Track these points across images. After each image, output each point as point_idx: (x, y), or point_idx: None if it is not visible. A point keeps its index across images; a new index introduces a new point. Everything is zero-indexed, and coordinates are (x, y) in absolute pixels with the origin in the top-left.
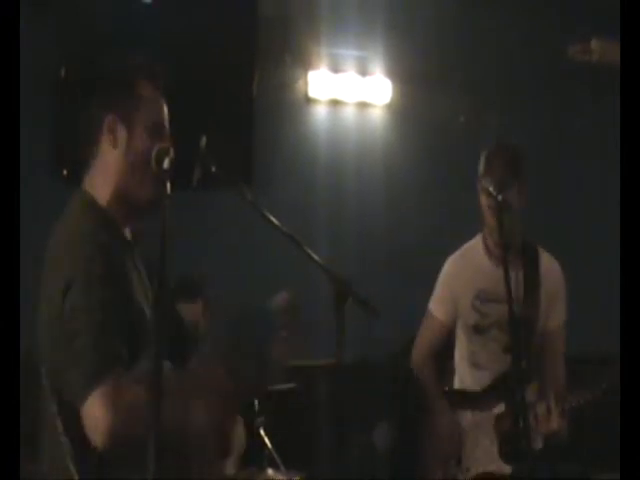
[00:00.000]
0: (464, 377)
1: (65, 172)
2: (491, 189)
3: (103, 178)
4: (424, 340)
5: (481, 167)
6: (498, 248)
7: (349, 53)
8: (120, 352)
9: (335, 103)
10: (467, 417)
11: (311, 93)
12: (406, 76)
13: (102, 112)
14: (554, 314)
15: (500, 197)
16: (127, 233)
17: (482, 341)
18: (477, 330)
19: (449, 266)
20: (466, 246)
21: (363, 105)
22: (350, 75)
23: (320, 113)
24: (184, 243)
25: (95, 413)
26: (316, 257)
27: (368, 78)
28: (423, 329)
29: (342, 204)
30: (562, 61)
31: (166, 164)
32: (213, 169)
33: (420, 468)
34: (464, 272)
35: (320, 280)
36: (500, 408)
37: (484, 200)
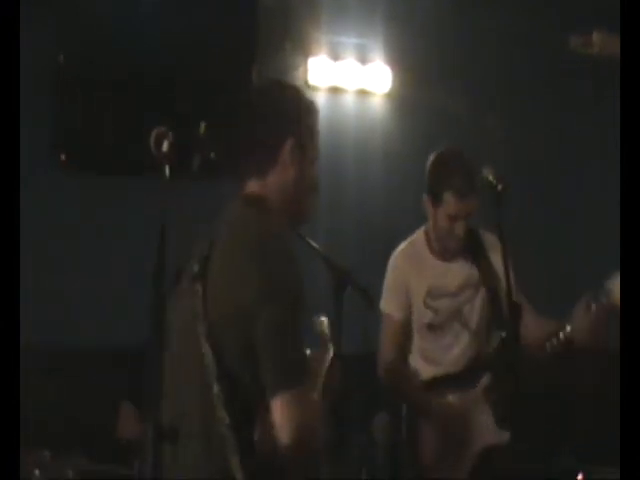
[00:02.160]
0: (418, 372)
1: (63, 157)
2: (491, 178)
3: (277, 188)
4: (388, 345)
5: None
6: (445, 243)
7: (349, 41)
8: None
9: (335, 91)
10: (457, 399)
11: (311, 80)
12: (406, 64)
13: (286, 133)
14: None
15: (500, 186)
16: None
17: (434, 337)
18: (431, 328)
19: (397, 261)
20: (409, 241)
21: (363, 93)
22: (350, 63)
23: (319, 101)
24: (184, 231)
25: (288, 411)
26: (315, 245)
27: (368, 66)
28: (384, 335)
29: (341, 193)
30: (563, 55)
31: (165, 147)
32: (212, 155)
33: (427, 459)
34: (411, 267)
35: (319, 269)
36: (485, 381)
37: (450, 196)
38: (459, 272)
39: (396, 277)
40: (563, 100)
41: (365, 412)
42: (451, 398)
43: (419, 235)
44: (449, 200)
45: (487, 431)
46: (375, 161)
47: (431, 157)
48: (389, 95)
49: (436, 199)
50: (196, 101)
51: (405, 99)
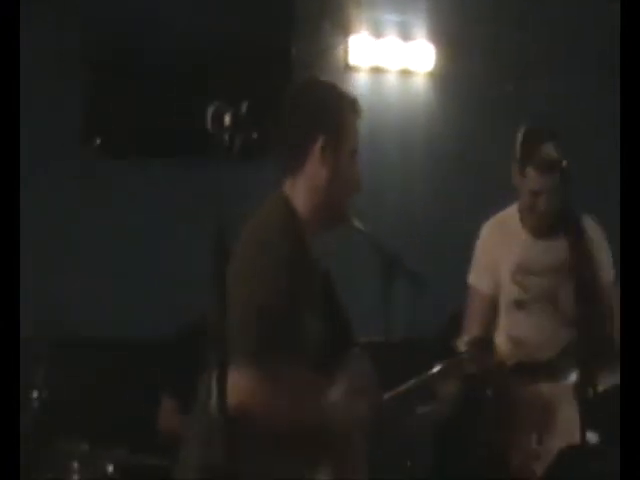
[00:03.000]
0: (503, 352)
1: (98, 141)
2: (555, 154)
3: (306, 189)
4: (473, 320)
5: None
6: (538, 219)
7: (390, 18)
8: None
9: (376, 70)
10: (543, 389)
11: (351, 60)
12: (450, 41)
13: (316, 132)
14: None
15: (565, 162)
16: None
17: (522, 316)
18: (519, 305)
19: (486, 233)
20: (502, 214)
21: (405, 72)
22: (392, 41)
23: (360, 81)
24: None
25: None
26: (362, 228)
27: (410, 44)
28: (469, 309)
29: (383, 177)
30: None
31: (227, 121)
32: (254, 136)
33: (492, 456)
34: (502, 241)
35: (366, 253)
36: (575, 375)
37: (532, 171)
38: (551, 251)
39: (485, 250)
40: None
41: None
42: (537, 387)
43: (512, 209)
44: (531, 175)
45: (571, 430)
46: (418, 144)
47: (520, 132)
48: (432, 74)
49: (521, 174)
50: (233, 83)
51: (449, 78)
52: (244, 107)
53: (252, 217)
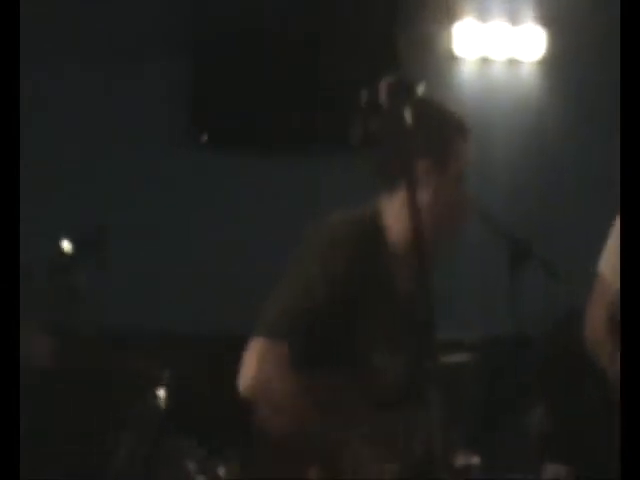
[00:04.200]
0: None
1: (205, 137)
2: None
3: (402, 211)
4: (598, 310)
5: None
6: None
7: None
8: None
9: (482, 59)
10: None
11: (456, 49)
12: (563, 24)
13: (420, 155)
14: None
15: None
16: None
17: None
18: None
19: None
20: None
21: (513, 61)
22: (499, 25)
23: (466, 71)
24: None
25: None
26: (489, 215)
27: (519, 28)
28: (595, 297)
29: (492, 177)
30: None
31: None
32: (374, 127)
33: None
34: None
35: (490, 242)
36: None
37: None
38: None
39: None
40: None
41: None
42: None
43: None
44: None
45: None
46: (528, 138)
47: None
48: (543, 62)
49: None
50: (339, 72)
51: (561, 66)
52: (364, 95)
53: (340, 216)
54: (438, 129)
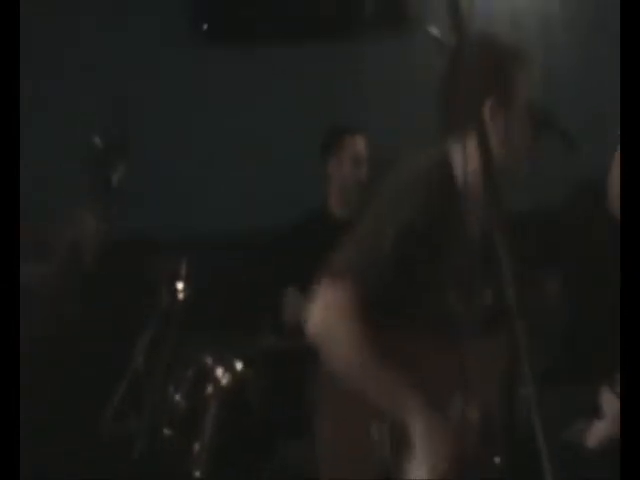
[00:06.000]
0: None
1: (205, 26)
2: None
3: (472, 154)
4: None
5: None
6: None
7: None
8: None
9: None
10: None
11: None
12: None
13: (484, 94)
14: None
15: None
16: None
17: None
18: None
19: None
20: None
21: None
22: None
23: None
24: None
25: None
26: None
27: None
28: (616, 167)
29: None
30: None
31: None
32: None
33: None
34: None
35: None
36: None
37: None
38: None
39: None
40: None
41: None
42: None
43: None
44: None
45: None
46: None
47: None
48: None
49: None
50: None
51: None
52: None
53: (408, 164)
54: (499, 64)
